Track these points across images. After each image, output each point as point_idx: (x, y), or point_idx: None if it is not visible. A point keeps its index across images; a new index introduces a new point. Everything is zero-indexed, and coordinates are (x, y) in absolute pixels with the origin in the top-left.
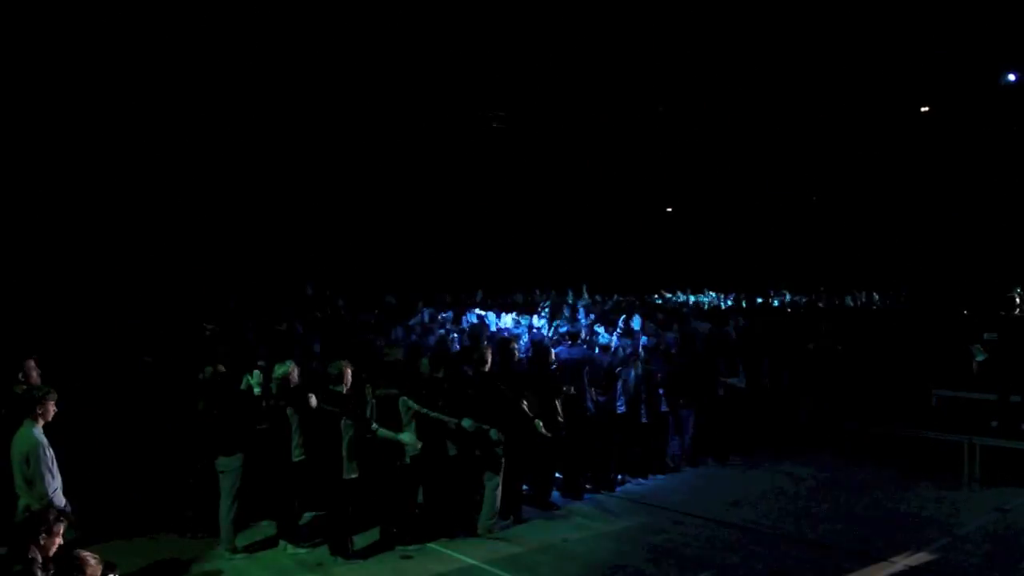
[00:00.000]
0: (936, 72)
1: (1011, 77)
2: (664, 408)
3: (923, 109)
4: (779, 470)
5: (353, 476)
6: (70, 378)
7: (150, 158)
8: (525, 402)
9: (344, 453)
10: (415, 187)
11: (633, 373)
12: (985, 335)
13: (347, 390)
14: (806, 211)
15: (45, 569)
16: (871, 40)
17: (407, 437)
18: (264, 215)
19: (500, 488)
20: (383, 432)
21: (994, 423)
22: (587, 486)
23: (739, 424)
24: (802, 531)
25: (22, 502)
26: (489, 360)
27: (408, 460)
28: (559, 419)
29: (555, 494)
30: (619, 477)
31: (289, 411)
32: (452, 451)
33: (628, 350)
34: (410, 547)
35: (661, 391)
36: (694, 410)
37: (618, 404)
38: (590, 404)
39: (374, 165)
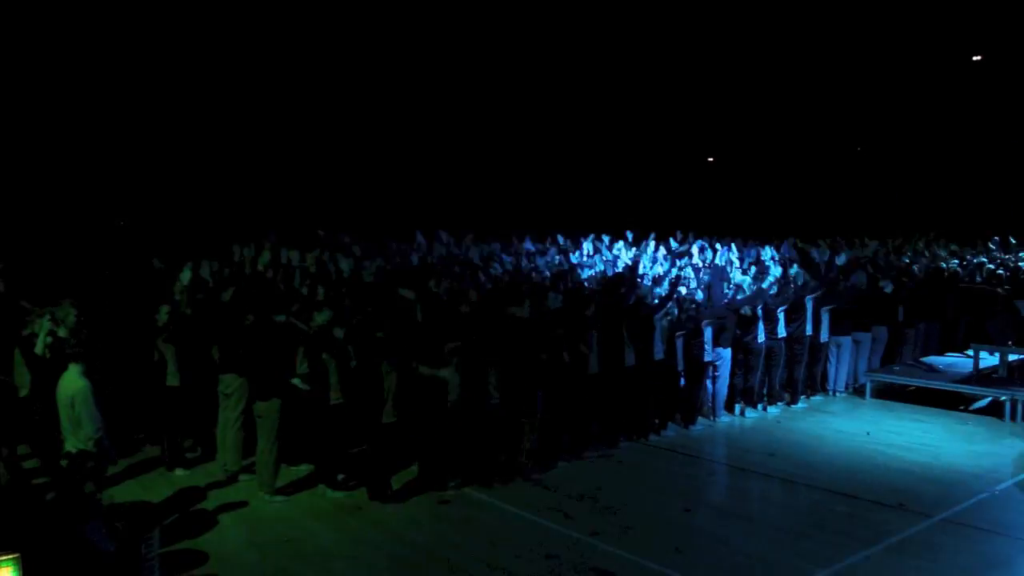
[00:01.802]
0: (988, 21)
1: None
2: (709, 356)
3: (975, 58)
4: (817, 422)
5: (392, 420)
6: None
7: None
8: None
9: (386, 397)
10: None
11: (667, 319)
12: None
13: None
14: (851, 162)
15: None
16: None
17: (447, 373)
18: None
19: (538, 434)
20: (424, 369)
21: None
22: (622, 433)
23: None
24: (844, 485)
25: (68, 445)
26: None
27: (449, 404)
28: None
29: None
30: (656, 423)
31: (325, 356)
32: (494, 398)
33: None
34: (448, 492)
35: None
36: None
37: (655, 351)
38: (628, 354)
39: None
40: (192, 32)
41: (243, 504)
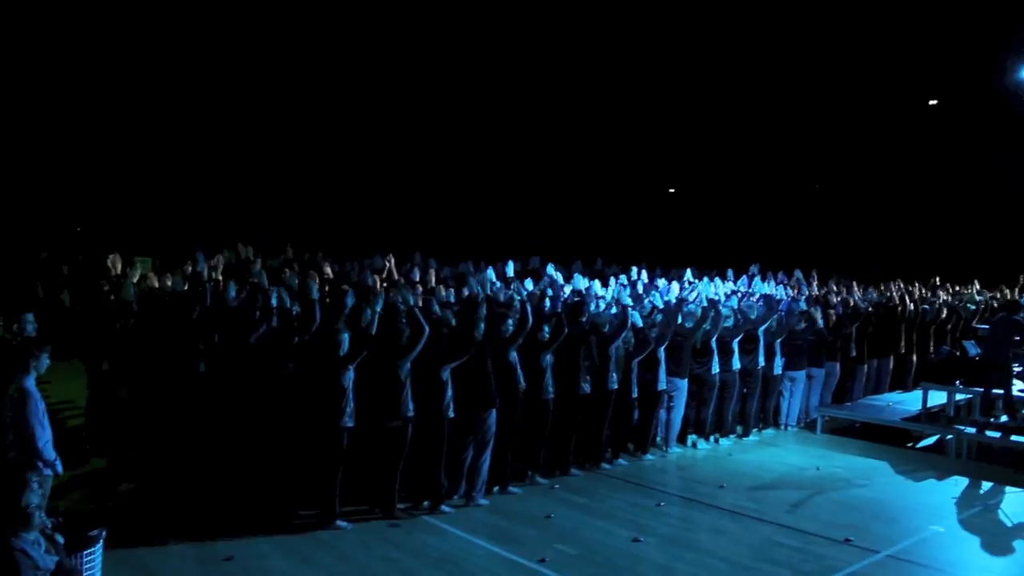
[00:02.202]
0: (945, 66)
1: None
2: (663, 386)
3: (931, 102)
4: (769, 456)
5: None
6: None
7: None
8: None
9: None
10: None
11: (622, 346)
12: (979, 330)
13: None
14: (809, 199)
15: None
16: (883, 33)
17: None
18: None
19: (488, 458)
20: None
21: (980, 418)
22: (574, 462)
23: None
24: (792, 519)
25: (12, 454)
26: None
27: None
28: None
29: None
30: (609, 451)
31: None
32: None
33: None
34: (398, 515)
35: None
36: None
37: (610, 381)
38: (584, 382)
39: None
40: (159, 42)
41: (191, 520)
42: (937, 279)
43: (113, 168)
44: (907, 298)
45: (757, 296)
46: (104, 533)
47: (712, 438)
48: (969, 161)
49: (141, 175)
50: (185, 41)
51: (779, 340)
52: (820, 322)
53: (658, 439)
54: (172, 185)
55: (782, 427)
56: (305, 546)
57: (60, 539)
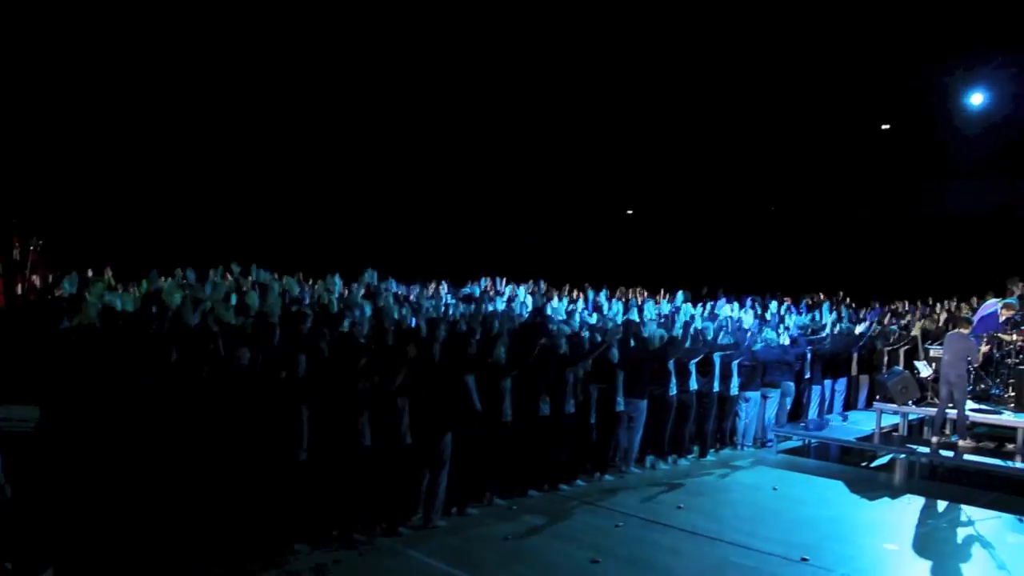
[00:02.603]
0: (898, 91)
1: (975, 99)
2: (621, 407)
3: (884, 127)
4: (725, 476)
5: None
6: None
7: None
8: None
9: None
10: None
11: (581, 370)
12: (931, 351)
13: None
14: (765, 220)
15: None
16: (837, 54)
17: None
18: None
19: (445, 480)
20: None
21: (933, 437)
22: (532, 484)
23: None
24: (749, 539)
25: None
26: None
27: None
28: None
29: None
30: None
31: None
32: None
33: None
34: (358, 537)
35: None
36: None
37: (567, 405)
38: (543, 403)
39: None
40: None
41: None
42: (905, 303)
43: (54, 179)
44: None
45: (722, 319)
46: (57, 559)
47: (670, 459)
48: (918, 184)
49: (84, 186)
50: (153, 50)
51: (736, 361)
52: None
53: (617, 460)
54: (121, 197)
55: (738, 447)
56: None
57: (8, 566)
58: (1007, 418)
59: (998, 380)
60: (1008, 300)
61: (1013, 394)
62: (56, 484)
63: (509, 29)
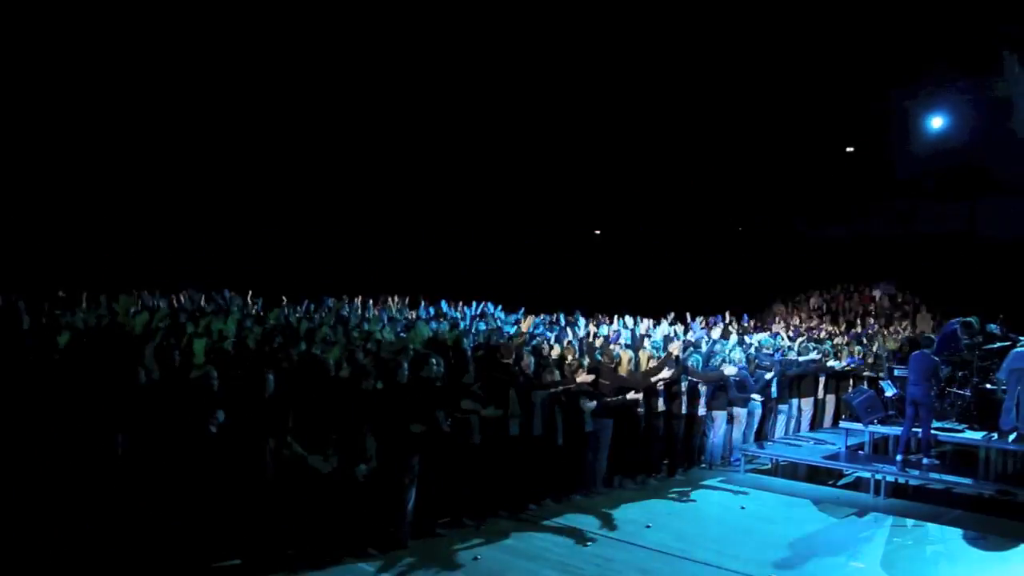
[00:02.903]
0: (860, 113)
1: (936, 123)
2: (589, 427)
3: (848, 149)
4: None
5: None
6: None
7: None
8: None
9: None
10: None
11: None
12: (896, 371)
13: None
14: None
15: None
16: (800, 76)
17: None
18: None
19: (413, 500)
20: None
21: (899, 456)
22: (500, 504)
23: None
24: (717, 557)
25: None
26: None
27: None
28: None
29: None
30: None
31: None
32: (363, 470)
33: None
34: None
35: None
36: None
37: (534, 427)
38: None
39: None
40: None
41: None
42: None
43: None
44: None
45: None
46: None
47: (639, 478)
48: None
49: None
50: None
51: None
52: (744, 363)
53: (585, 479)
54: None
55: (706, 466)
56: None
57: None
58: (969, 436)
59: (960, 400)
60: (967, 319)
61: (975, 413)
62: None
63: (473, 48)
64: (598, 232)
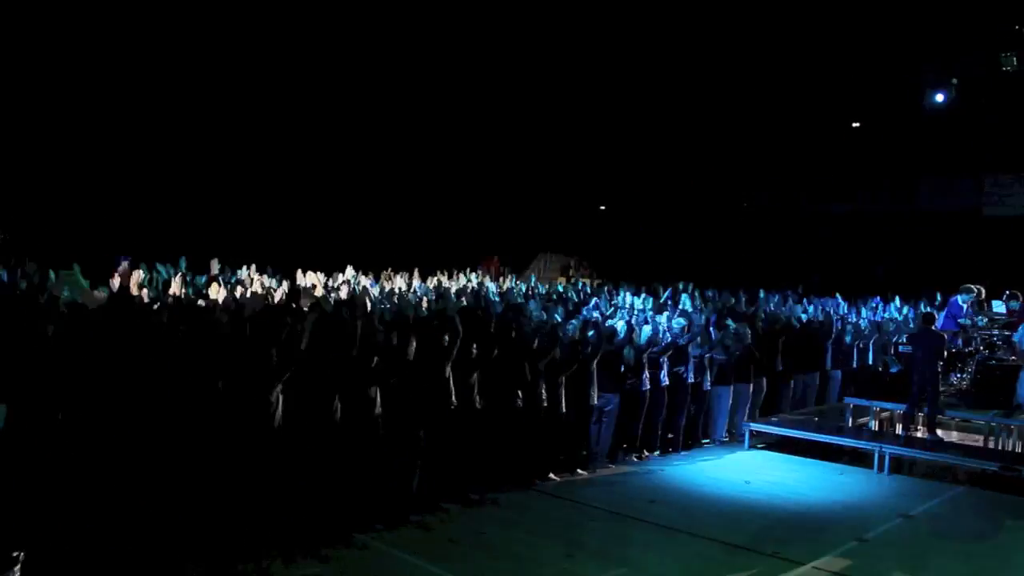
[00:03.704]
0: (864, 89)
1: (938, 98)
2: (595, 400)
3: (854, 125)
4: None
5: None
6: None
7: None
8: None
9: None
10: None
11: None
12: (901, 347)
13: None
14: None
15: None
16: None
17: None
18: None
19: (418, 474)
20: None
21: (904, 432)
22: (505, 479)
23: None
24: (721, 533)
25: None
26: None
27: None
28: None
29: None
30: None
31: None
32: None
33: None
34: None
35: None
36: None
37: (540, 395)
38: (516, 397)
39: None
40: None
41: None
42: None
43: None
44: (832, 315)
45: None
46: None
47: (643, 453)
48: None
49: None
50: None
51: (708, 355)
52: (748, 339)
53: (590, 454)
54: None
55: (711, 441)
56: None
57: None
58: (976, 413)
59: (966, 375)
60: (967, 285)
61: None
62: (27, 477)
63: (473, 33)
64: (603, 208)
